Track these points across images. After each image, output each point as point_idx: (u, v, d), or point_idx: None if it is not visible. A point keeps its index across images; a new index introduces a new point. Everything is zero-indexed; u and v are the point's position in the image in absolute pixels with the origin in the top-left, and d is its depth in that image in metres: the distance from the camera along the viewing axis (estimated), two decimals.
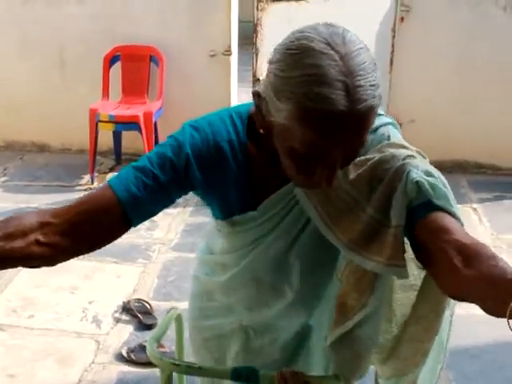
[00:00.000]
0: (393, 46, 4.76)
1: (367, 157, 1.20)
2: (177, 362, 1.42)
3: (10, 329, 3.11)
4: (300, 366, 1.43)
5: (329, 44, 1.03)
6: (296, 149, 1.08)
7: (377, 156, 1.20)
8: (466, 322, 3.20)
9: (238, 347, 1.48)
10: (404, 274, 1.16)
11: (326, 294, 1.38)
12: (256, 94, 1.13)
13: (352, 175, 1.19)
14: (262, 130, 1.16)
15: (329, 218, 1.21)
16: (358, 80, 1.01)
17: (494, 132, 4.97)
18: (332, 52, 1.02)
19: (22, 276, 3.56)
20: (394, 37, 4.79)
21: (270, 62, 1.10)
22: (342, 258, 1.30)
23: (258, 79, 4.55)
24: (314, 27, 1.07)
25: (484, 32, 4.81)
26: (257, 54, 4.61)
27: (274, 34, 4.48)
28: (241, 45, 5.29)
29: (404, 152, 1.20)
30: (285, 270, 1.35)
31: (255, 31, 4.57)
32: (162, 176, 1.21)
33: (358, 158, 1.18)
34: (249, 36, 5.22)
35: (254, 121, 1.23)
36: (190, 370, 1.39)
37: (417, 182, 1.14)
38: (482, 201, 4.62)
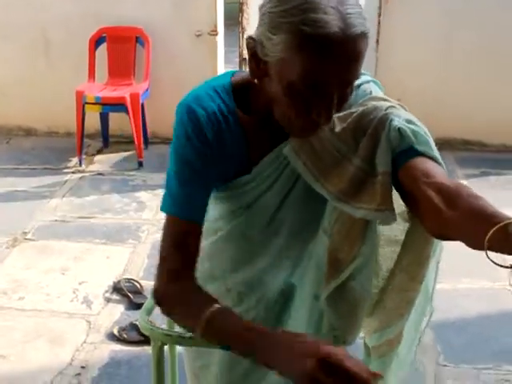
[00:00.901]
0: (379, 25, 4.76)
1: (351, 110, 1.24)
2: (168, 332, 1.44)
3: (0, 310, 3.11)
4: (287, 328, 1.43)
5: None
6: (295, 83, 1.11)
7: (360, 109, 1.24)
8: (451, 295, 3.24)
9: None
10: (393, 218, 1.18)
11: (310, 250, 1.39)
12: (250, 38, 1.17)
13: (337, 128, 1.23)
14: (256, 80, 1.20)
15: (318, 172, 1.24)
16: (349, 8, 1.08)
17: (481, 109, 5.00)
18: None
19: (11, 258, 3.56)
20: (379, 16, 4.78)
21: (262, 6, 1.14)
22: (329, 214, 1.31)
23: (245, 59, 4.54)
24: None
25: (470, 11, 4.81)
26: (243, 34, 4.60)
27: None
28: (226, 25, 5.26)
29: (386, 104, 1.24)
30: (274, 225, 1.37)
31: (241, 10, 4.56)
32: (203, 178, 1.27)
33: (343, 112, 1.22)
34: (234, 16, 5.20)
35: (238, 89, 1.28)
36: (182, 340, 1.40)
37: (399, 128, 1.18)
38: (468, 177, 4.65)
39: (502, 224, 0.95)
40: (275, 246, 1.40)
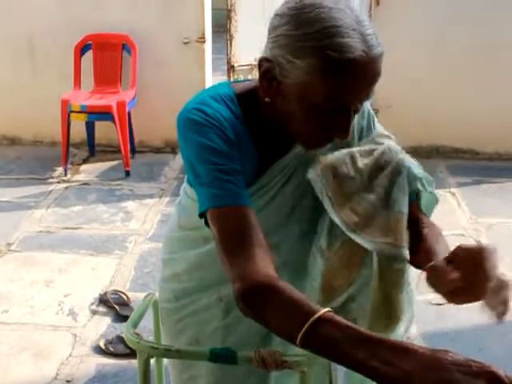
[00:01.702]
0: None
1: (371, 147, 1.35)
2: (155, 345, 1.39)
3: None
4: (277, 343, 1.40)
5: (337, 2, 1.12)
6: (316, 103, 1.13)
7: (380, 148, 1.35)
8: (444, 306, 3.20)
9: (216, 322, 1.44)
10: (405, 256, 1.28)
11: (306, 268, 1.38)
12: (264, 60, 1.17)
13: (360, 163, 1.32)
14: (267, 98, 1.20)
15: (336, 200, 1.30)
16: (367, 28, 1.12)
17: (472, 117, 4.98)
18: (341, 6, 1.12)
19: None
20: (370, 20, 4.76)
21: (276, 27, 1.15)
22: (325, 235, 1.32)
23: (233, 66, 4.50)
24: None
25: (461, 16, 4.81)
26: (231, 41, 4.55)
27: (247, 21, 4.43)
28: (214, 32, 5.23)
29: (393, 145, 1.38)
30: (271, 239, 1.32)
31: (229, 18, 4.51)
32: (234, 160, 1.21)
33: (364, 148, 1.34)
34: (222, 23, 5.16)
35: (243, 98, 1.27)
36: (168, 352, 1.36)
37: (420, 178, 1.35)
38: (460, 185, 4.63)
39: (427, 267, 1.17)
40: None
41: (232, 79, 4.49)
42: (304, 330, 0.97)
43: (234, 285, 1.10)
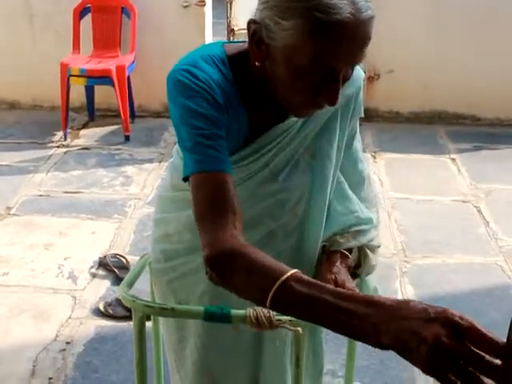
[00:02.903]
0: None
1: None
2: (150, 304, 1.40)
3: None
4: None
5: None
6: (304, 66, 1.11)
7: None
8: (442, 270, 3.22)
9: (204, 286, 1.43)
10: None
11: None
12: (252, 22, 1.15)
13: None
14: (257, 63, 1.18)
15: None
16: None
17: (473, 83, 4.94)
18: None
19: None
20: None
21: None
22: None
23: (233, 29, 4.45)
24: None
25: None
26: (231, 5, 4.50)
27: None
28: None
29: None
30: (274, 202, 1.37)
31: None
32: (220, 126, 1.19)
33: None
34: None
35: (233, 61, 1.24)
36: (163, 311, 1.36)
37: None
38: (460, 151, 4.61)
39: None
40: (267, 224, 1.39)
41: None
42: (274, 290, 0.97)
43: (203, 252, 1.10)
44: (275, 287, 0.97)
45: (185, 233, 1.45)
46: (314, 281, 0.98)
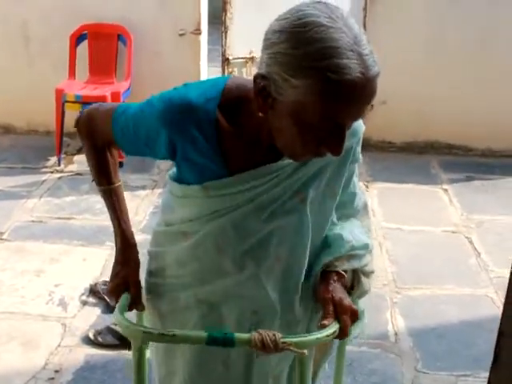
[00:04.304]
0: (364, 26, 4.72)
1: None
2: (148, 330, 1.34)
3: None
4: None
5: (332, 18, 1.11)
6: (311, 123, 1.14)
7: None
8: (432, 302, 3.22)
9: (195, 321, 1.45)
10: None
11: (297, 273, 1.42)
12: (260, 76, 1.16)
13: None
14: (260, 113, 1.20)
15: None
16: (364, 48, 1.12)
17: (465, 113, 4.98)
18: (339, 25, 1.10)
19: None
20: (365, 17, 4.75)
21: (273, 44, 1.14)
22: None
23: (228, 59, 4.49)
24: (308, 5, 1.14)
25: (456, 12, 4.80)
26: (226, 33, 4.54)
27: (243, 13, 4.42)
28: (211, 24, 5.21)
29: None
30: (256, 242, 1.37)
31: (224, 10, 4.50)
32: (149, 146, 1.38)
33: None
34: (218, 15, 5.15)
35: (230, 95, 1.28)
36: (163, 337, 1.29)
37: None
38: (452, 181, 4.64)
39: None
40: (250, 266, 1.39)
41: (227, 72, 4.47)
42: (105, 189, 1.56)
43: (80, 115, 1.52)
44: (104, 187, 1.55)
45: (177, 268, 1.46)
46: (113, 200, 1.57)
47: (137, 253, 1.52)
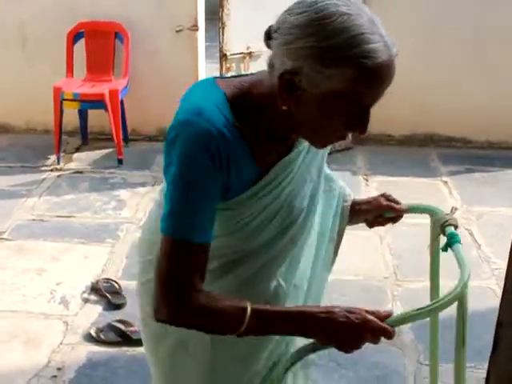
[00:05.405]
0: None
1: None
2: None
3: None
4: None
5: (348, 5, 1.15)
6: (345, 108, 1.18)
7: None
8: None
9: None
10: None
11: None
12: (288, 73, 1.17)
13: None
14: (284, 107, 1.21)
15: None
16: (382, 29, 1.17)
17: (465, 106, 4.98)
18: (358, 11, 1.15)
19: None
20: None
21: (297, 39, 1.15)
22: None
23: (226, 55, 4.48)
24: None
25: (455, 2, 4.80)
26: (223, 30, 4.53)
27: (240, 9, 4.41)
28: (208, 20, 5.21)
29: None
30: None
31: (221, 6, 4.48)
32: (215, 199, 1.26)
33: None
34: (215, 11, 5.14)
35: (236, 102, 1.26)
36: None
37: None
38: (452, 174, 4.64)
39: None
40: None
41: (224, 68, 4.47)
42: (245, 325, 1.22)
43: (162, 306, 1.24)
44: (246, 324, 1.22)
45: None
46: (267, 307, 1.30)
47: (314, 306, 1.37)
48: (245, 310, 1.22)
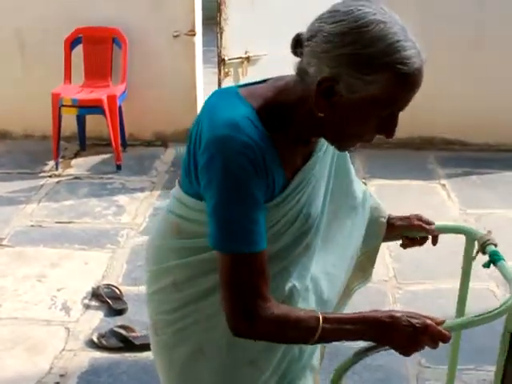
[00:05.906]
0: None
1: None
2: None
3: None
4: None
5: (383, 13, 1.21)
6: (380, 113, 1.23)
7: None
8: (433, 297, 3.23)
9: (222, 329, 1.37)
10: None
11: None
12: (327, 80, 1.21)
13: None
14: (321, 113, 1.25)
15: None
16: (411, 36, 1.22)
17: (462, 108, 5.00)
18: (391, 19, 1.21)
19: None
20: None
21: (336, 47, 1.18)
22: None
23: (224, 59, 4.49)
24: (358, 4, 1.21)
25: (453, 6, 4.82)
26: (221, 34, 4.53)
27: (238, 13, 4.42)
28: (206, 24, 5.22)
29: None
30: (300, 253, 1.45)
31: (219, 10, 4.49)
32: (263, 206, 1.29)
33: None
34: (213, 16, 5.15)
35: (264, 113, 1.28)
36: None
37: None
38: (450, 176, 4.65)
39: None
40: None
41: (223, 73, 4.47)
42: (318, 334, 1.27)
43: (239, 321, 1.28)
44: (319, 333, 1.27)
45: (199, 276, 1.42)
46: (335, 315, 1.36)
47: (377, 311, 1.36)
48: (317, 317, 1.27)
